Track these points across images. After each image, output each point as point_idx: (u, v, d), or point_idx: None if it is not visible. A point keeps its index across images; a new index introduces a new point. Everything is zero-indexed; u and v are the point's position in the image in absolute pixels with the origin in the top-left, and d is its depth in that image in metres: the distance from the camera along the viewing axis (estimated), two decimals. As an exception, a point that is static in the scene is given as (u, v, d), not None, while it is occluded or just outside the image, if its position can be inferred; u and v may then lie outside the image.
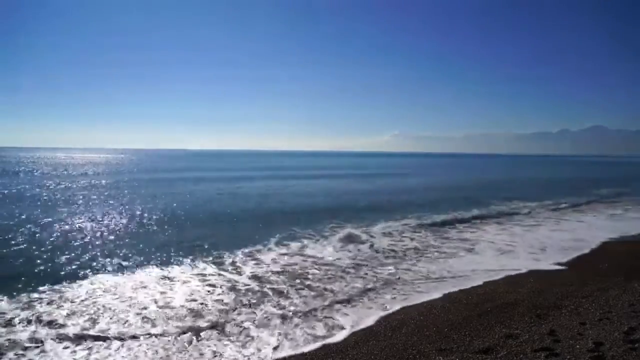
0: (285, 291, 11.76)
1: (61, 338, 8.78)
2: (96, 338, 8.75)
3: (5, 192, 35.77)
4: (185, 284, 12.30)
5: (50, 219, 22.46)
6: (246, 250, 16.30)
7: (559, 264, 14.88)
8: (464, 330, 8.67)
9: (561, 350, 7.41)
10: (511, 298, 10.70)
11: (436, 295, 11.45)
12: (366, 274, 13.52)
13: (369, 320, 9.75)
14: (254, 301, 11.02)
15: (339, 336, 8.90)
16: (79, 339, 8.75)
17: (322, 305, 10.76)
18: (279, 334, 9.09)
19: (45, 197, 32.47)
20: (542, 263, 14.96)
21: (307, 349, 8.39)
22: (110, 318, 9.69)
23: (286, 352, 8.27)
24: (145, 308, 10.33)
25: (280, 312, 10.32)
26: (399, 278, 13.07)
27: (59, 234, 18.94)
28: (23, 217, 23.14)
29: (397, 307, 10.54)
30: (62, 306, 10.40)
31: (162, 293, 11.41)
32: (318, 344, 8.57)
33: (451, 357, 7.48)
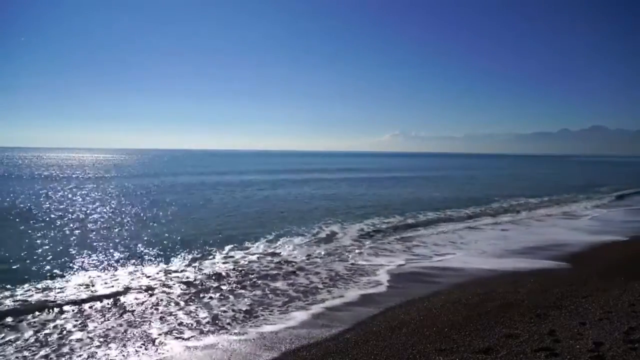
0: (264, 290, 12.00)
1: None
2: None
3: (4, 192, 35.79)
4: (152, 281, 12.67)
5: (46, 220, 22.44)
6: (239, 248, 16.78)
7: (558, 263, 14.88)
8: (464, 330, 8.66)
9: (561, 350, 7.40)
10: (511, 298, 10.69)
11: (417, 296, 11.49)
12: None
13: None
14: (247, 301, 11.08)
15: (339, 336, 8.90)
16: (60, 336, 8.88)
17: (300, 299, 11.17)
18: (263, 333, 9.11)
19: (40, 198, 32.45)
20: (540, 263, 14.96)
21: (295, 346, 8.42)
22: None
23: (272, 354, 8.24)
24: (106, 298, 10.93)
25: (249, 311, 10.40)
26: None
27: (57, 233, 18.97)
28: (16, 218, 23.16)
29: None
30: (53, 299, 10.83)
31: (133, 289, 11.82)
32: (312, 340, 8.60)
33: (451, 357, 7.47)
